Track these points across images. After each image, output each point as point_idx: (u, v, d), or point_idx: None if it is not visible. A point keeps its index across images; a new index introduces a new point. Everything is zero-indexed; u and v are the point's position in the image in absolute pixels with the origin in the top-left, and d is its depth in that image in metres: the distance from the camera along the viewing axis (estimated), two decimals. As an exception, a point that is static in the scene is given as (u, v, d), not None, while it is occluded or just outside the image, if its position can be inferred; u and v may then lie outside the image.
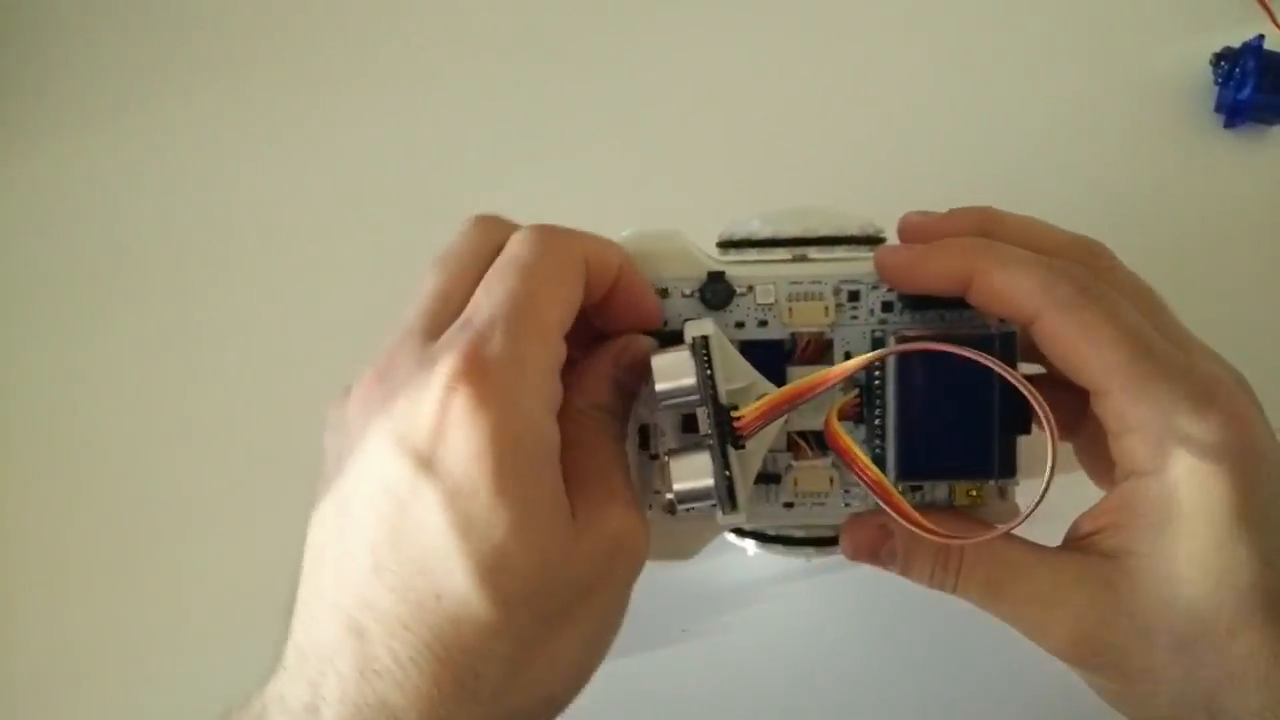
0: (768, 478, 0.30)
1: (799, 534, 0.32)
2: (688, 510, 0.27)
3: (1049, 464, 0.25)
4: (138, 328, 0.42)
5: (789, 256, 0.31)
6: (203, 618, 0.38)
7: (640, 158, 0.42)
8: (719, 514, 0.27)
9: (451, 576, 0.23)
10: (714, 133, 0.43)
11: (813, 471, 0.30)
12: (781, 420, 0.28)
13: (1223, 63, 0.42)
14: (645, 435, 0.30)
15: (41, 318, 0.42)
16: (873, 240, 0.31)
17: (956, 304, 0.29)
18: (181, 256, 0.42)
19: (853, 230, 0.30)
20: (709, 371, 0.27)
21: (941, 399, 0.28)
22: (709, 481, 0.26)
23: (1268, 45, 0.42)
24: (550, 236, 0.27)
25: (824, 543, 0.31)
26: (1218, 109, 0.43)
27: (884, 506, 0.26)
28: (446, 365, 0.24)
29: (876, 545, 0.29)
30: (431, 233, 0.41)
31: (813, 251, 0.30)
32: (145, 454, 0.40)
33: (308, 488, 0.38)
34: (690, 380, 0.27)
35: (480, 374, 0.24)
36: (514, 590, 0.24)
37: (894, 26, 0.45)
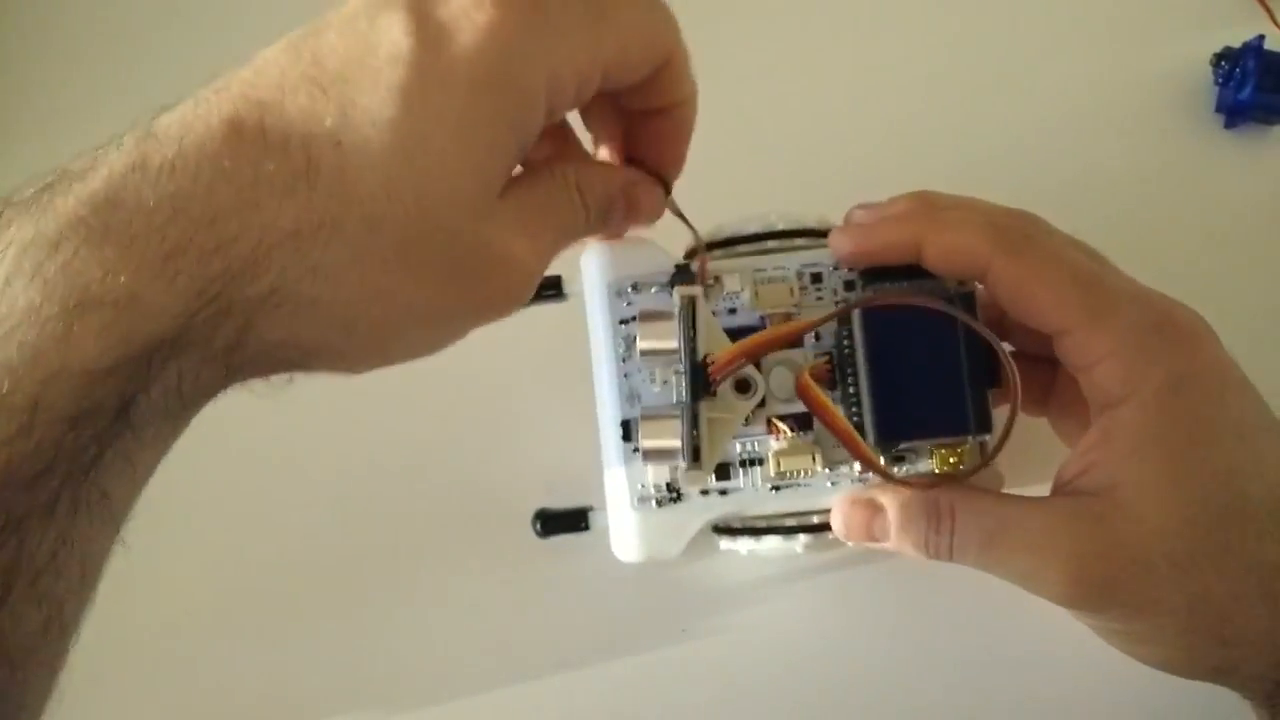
0: (752, 462, 0.31)
1: (790, 523, 0.32)
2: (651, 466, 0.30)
3: (1014, 400, 0.27)
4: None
5: (751, 251, 0.32)
6: (198, 617, 0.38)
7: None
8: (683, 468, 0.28)
9: (377, 127, 0.21)
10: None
11: (794, 450, 0.31)
12: (756, 399, 0.30)
13: (1223, 63, 0.42)
14: (627, 430, 0.31)
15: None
16: (828, 233, 0.32)
17: (914, 274, 0.30)
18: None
19: (810, 223, 0.32)
20: (692, 332, 0.28)
21: (911, 361, 0.29)
22: (675, 441, 0.28)
23: (1268, 45, 0.42)
24: (657, 5, 0.26)
25: (817, 529, 0.31)
26: (1218, 109, 0.43)
27: (855, 458, 0.29)
28: None
29: (868, 521, 0.30)
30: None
31: (772, 245, 0.32)
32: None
33: (307, 488, 0.38)
34: (672, 341, 0.29)
35: (527, 10, 0.22)
36: (414, 187, 0.22)
37: (889, 26, 0.45)
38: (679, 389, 0.29)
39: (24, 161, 0.43)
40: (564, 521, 0.34)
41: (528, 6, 0.23)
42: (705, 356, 0.28)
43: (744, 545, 0.32)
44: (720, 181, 0.41)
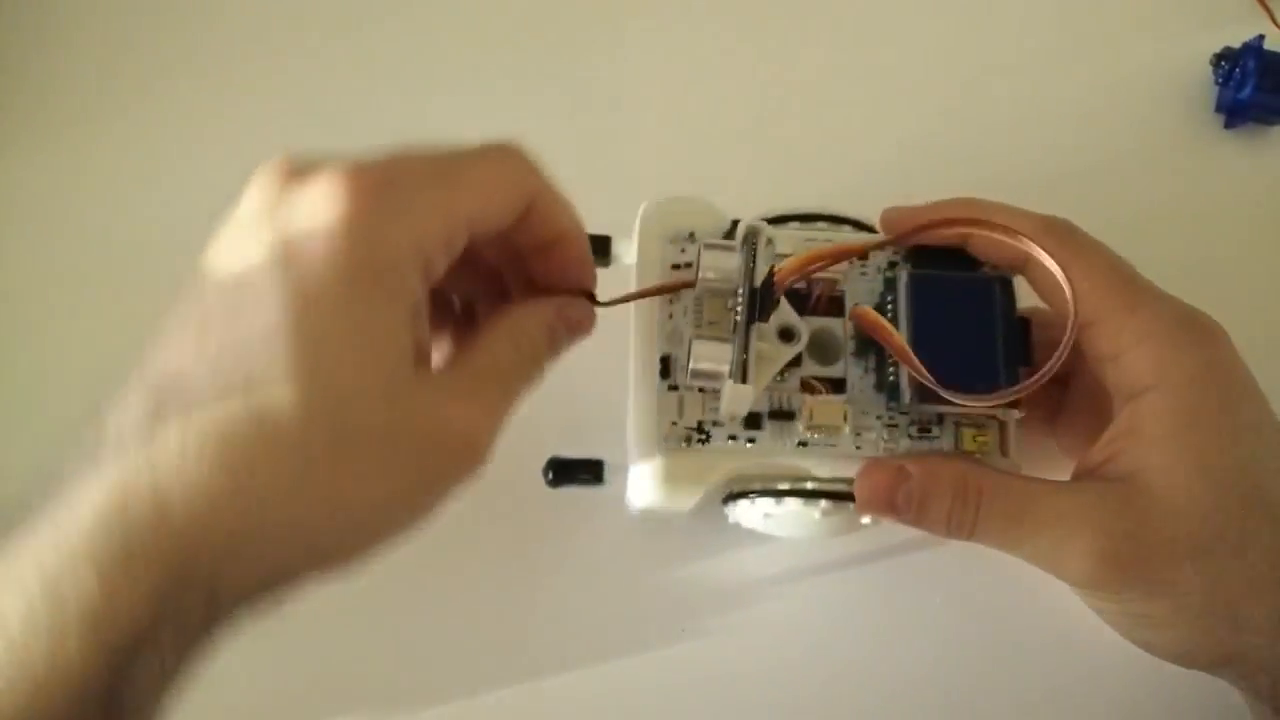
0: (782, 414, 0.31)
1: (811, 486, 0.32)
2: (700, 389, 0.31)
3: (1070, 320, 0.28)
4: (134, 327, 0.41)
5: (801, 228, 0.33)
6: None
7: (647, 162, 0.43)
8: (730, 385, 0.29)
9: (270, 361, 0.23)
10: (718, 142, 0.44)
11: (826, 406, 0.31)
12: (800, 347, 0.31)
13: (1223, 63, 0.43)
14: (666, 366, 0.32)
15: (38, 318, 0.42)
16: (871, 229, 0.33)
17: (957, 260, 0.32)
18: (176, 257, 0.42)
19: (854, 215, 0.33)
20: (753, 261, 0.30)
21: (950, 329, 0.31)
22: (726, 363, 0.29)
23: (1268, 45, 0.42)
24: (507, 156, 0.26)
25: (838, 496, 0.31)
26: (1218, 109, 0.43)
27: (910, 369, 0.29)
28: (350, 175, 0.24)
29: (892, 489, 0.30)
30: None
31: (822, 225, 0.33)
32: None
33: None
34: (733, 265, 0.30)
35: (373, 195, 0.23)
36: (323, 400, 0.23)
37: (891, 27, 0.45)
38: (734, 317, 0.30)
39: (25, 161, 0.43)
40: (576, 470, 0.33)
41: (376, 186, 0.24)
42: (771, 267, 0.29)
43: (761, 509, 0.32)
44: (738, 183, 0.41)
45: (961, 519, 0.29)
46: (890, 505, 0.30)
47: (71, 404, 0.39)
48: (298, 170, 0.24)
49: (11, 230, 0.43)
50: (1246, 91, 0.42)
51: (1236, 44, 0.43)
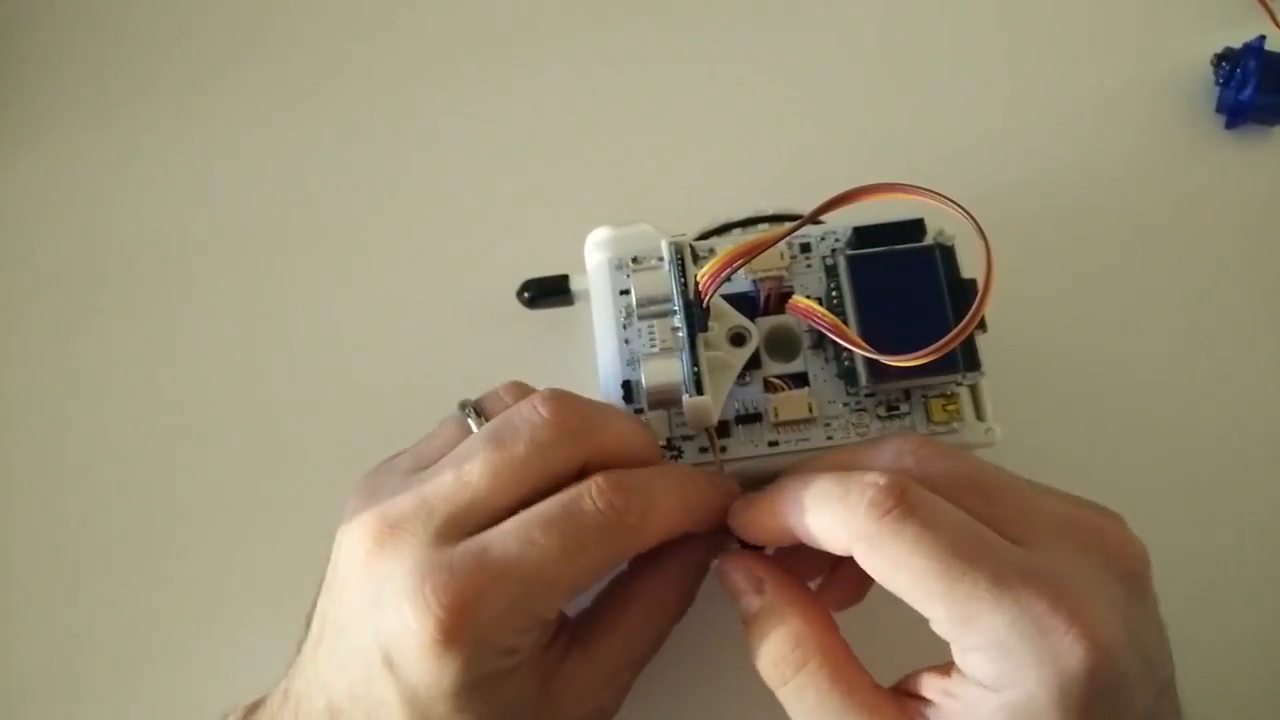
0: (750, 418, 0.32)
1: None
2: (660, 411, 0.31)
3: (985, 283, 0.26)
4: (133, 331, 0.42)
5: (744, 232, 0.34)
6: (189, 622, 0.38)
7: (607, 169, 0.43)
8: (687, 399, 0.29)
9: None
10: (701, 134, 0.44)
11: (790, 400, 0.32)
12: (752, 348, 0.31)
13: (1224, 63, 0.43)
14: (629, 391, 0.32)
15: (34, 322, 0.42)
16: (810, 219, 0.33)
17: (902, 235, 0.32)
18: (174, 260, 0.42)
19: (796, 210, 0.33)
20: (683, 276, 0.30)
21: (896, 304, 0.31)
22: (677, 377, 0.29)
23: (1268, 46, 0.42)
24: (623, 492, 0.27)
25: None
26: (1219, 110, 0.43)
27: (846, 345, 0.29)
28: (435, 595, 0.24)
29: (738, 592, 0.29)
30: (424, 229, 0.42)
31: (763, 226, 0.34)
32: (134, 458, 0.40)
33: (303, 490, 0.38)
34: (665, 288, 0.30)
35: (460, 619, 0.24)
36: None
37: (890, 26, 0.45)
38: (678, 334, 0.30)
39: (25, 163, 0.43)
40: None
41: (452, 626, 0.24)
42: (696, 285, 0.29)
43: None
44: (733, 173, 0.42)
45: (781, 673, 0.27)
46: (734, 594, 0.29)
47: (71, 404, 0.40)
48: (391, 548, 0.26)
49: (12, 230, 0.43)
50: (1247, 92, 0.42)
51: (1237, 44, 0.43)
